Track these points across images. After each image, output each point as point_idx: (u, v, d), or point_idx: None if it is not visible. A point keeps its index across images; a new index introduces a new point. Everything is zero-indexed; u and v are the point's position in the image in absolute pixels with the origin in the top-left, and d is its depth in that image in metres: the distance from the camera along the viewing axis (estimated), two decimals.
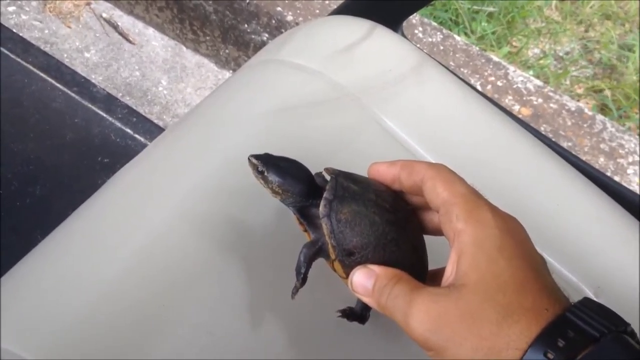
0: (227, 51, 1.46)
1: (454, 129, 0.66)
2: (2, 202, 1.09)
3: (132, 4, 1.51)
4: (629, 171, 1.19)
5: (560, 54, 1.66)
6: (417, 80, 0.67)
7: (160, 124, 1.31)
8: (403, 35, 0.77)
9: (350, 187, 0.46)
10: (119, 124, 1.19)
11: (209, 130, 0.63)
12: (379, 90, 0.66)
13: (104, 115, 1.20)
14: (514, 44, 1.67)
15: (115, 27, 1.49)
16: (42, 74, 1.21)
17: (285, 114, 0.62)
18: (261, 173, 0.48)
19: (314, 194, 0.48)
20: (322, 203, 0.46)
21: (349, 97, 0.64)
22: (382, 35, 0.71)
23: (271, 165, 0.48)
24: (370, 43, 0.69)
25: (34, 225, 1.06)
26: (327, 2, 1.37)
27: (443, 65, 0.72)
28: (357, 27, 0.71)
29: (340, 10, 0.78)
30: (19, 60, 1.22)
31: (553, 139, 1.17)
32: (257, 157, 0.49)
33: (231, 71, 1.49)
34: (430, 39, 1.35)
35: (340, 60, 0.67)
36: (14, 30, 1.36)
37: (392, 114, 0.64)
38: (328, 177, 0.48)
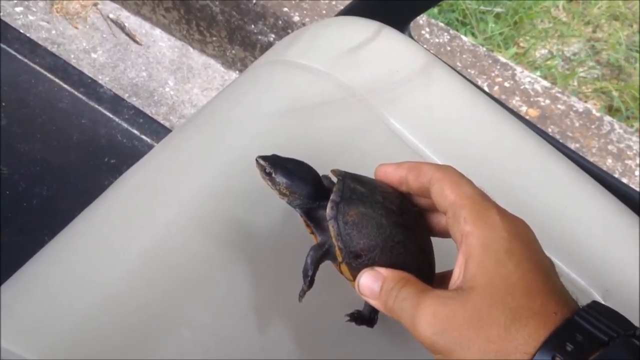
0: (233, 52, 1.46)
1: (461, 130, 0.66)
2: (10, 203, 1.09)
3: (138, 5, 1.51)
4: (637, 172, 1.19)
5: (568, 55, 1.66)
6: (424, 81, 0.67)
7: (167, 124, 1.31)
8: (410, 36, 0.77)
9: (357, 189, 0.46)
10: (125, 125, 1.20)
11: (216, 131, 0.62)
12: (386, 92, 0.65)
13: (111, 116, 1.20)
14: (521, 44, 1.66)
15: (122, 27, 1.50)
16: (49, 75, 1.21)
17: (292, 115, 0.62)
18: (269, 174, 0.48)
19: (321, 195, 0.48)
20: (329, 205, 0.45)
21: (356, 98, 0.64)
22: (389, 36, 0.70)
23: (279, 167, 0.48)
24: (377, 44, 0.69)
25: (41, 225, 1.07)
26: (333, 2, 1.37)
27: (450, 67, 0.72)
28: (364, 28, 0.71)
29: (347, 11, 0.78)
30: (26, 60, 1.22)
31: (560, 140, 1.17)
32: (264, 158, 0.49)
33: (238, 72, 1.49)
34: (437, 40, 1.35)
35: (347, 61, 0.67)
36: (21, 31, 1.36)
37: (399, 115, 0.64)
38: (335, 179, 0.48)
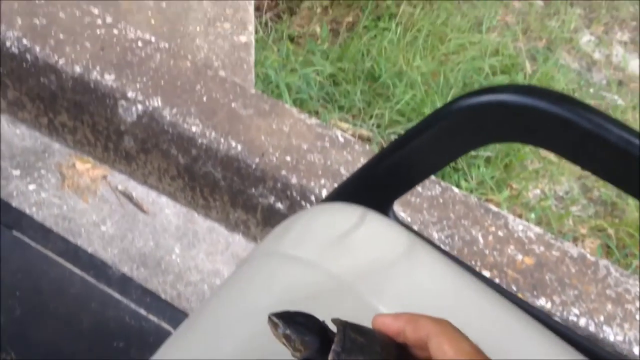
0: (236, 215, 1.52)
1: (447, 311, 0.68)
2: None
3: (145, 175, 1.59)
4: (638, 316, 1.19)
5: (560, 194, 1.71)
6: (407, 265, 0.71)
7: (174, 293, 1.35)
8: (394, 214, 0.82)
9: (357, 339, 0.48)
10: (133, 306, 1.23)
11: (215, 332, 0.66)
12: (373, 278, 0.69)
13: (119, 297, 1.23)
14: (513, 186, 1.72)
15: (130, 198, 1.57)
16: (60, 260, 1.26)
17: (287, 308, 0.66)
18: (282, 331, 0.49)
19: (327, 347, 0.49)
20: (330, 356, 0.47)
21: (345, 287, 0.68)
22: (372, 221, 0.75)
23: (292, 324, 0.49)
24: (363, 230, 0.73)
25: None
26: (328, 162, 1.44)
27: (433, 244, 0.76)
28: (349, 214, 0.75)
29: (335, 195, 0.84)
30: (39, 247, 1.27)
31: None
32: (277, 315, 0.50)
33: (241, 234, 1.55)
34: (429, 193, 1.40)
35: (335, 250, 0.71)
36: (34, 216, 1.42)
37: (386, 302, 0.67)
38: (335, 329, 0.49)
